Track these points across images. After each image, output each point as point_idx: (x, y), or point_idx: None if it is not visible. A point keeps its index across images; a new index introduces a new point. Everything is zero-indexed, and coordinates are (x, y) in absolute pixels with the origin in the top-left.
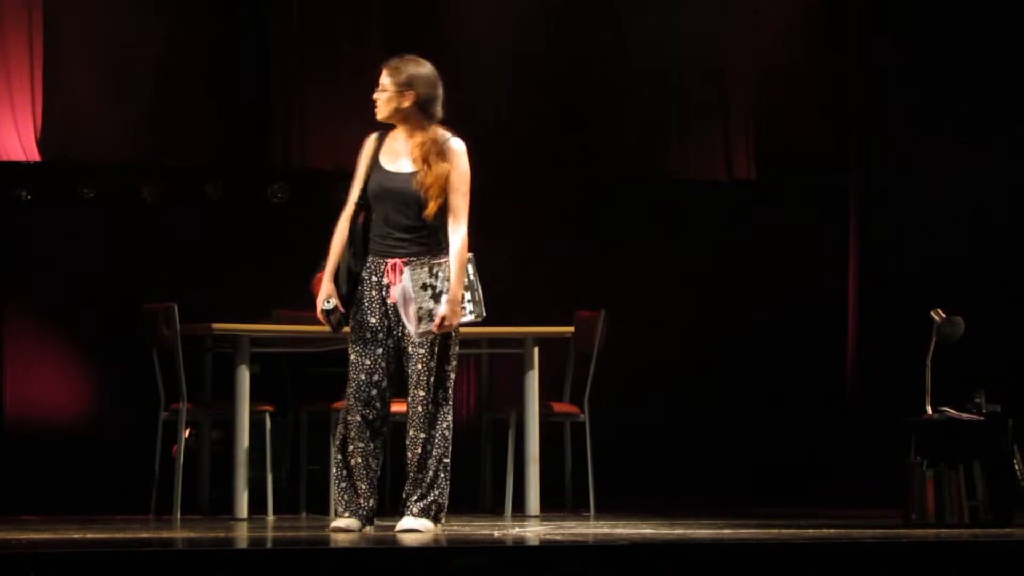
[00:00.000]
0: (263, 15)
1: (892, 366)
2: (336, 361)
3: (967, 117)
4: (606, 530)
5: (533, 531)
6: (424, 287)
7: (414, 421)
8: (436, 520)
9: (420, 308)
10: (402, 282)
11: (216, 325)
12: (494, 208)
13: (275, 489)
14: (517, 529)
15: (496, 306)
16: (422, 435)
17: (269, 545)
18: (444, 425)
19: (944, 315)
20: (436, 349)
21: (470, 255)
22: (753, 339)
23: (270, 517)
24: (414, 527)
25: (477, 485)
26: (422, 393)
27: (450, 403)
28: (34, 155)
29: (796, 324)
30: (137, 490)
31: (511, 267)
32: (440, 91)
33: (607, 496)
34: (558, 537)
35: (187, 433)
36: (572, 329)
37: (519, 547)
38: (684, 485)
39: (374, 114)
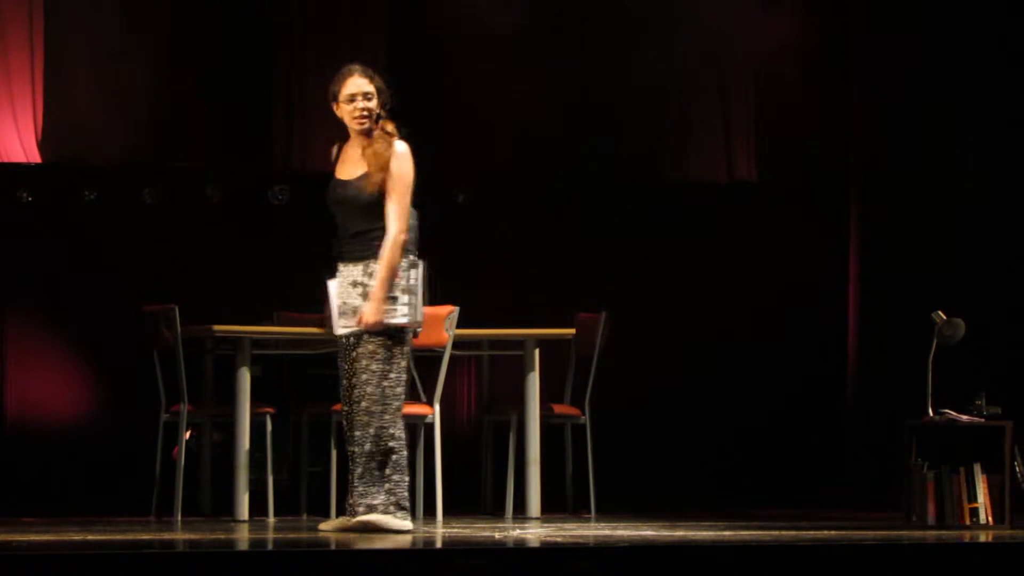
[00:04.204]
0: (263, 15)
1: (893, 368)
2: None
3: (968, 118)
4: (607, 532)
5: (534, 533)
6: (354, 284)
7: (353, 422)
8: (384, 512)
9: (344, 304)
10: (334, 279)
11: (217, 327)
12: (494, 209)
13: (276, 491)
14: (518, 531)
15: (497, 308)
16: (356, 434)
17: (270, 547)
18: (378, 424)
19: (945, 317)
20: (363, 349)
21: (419, 261)
22: (754, 340)
23: (271, 519)
24: (365, 521)
25: (478, 487)
26: (356, 392)
27: (387, 404)
28: (35, 157)
29: (797, 325)
30: (138, 492)
31: (512, 269)
32: None
33: (608, 498)
34: (559, 539)
35: (188, 435)
36: (573, 331)
37: (520, 549)
38: (685, 487)
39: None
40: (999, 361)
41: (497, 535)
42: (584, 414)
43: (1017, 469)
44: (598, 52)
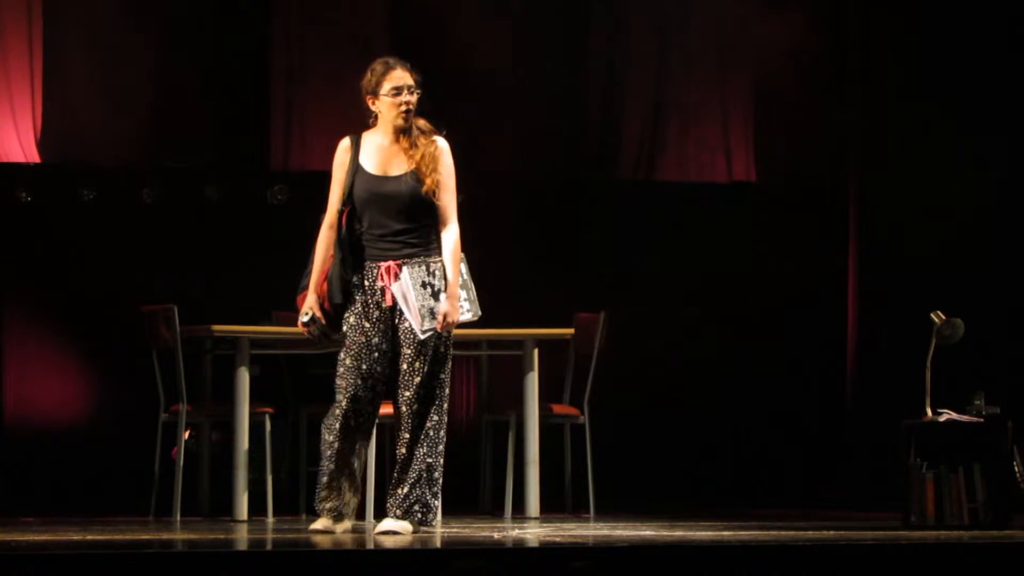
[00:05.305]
0: (263, 15)
1: (892, 368)
2: (336, 363)
3: (967, 118)
4: (606, 532)
5: (533, 533)
6: (423, 285)
7: (401, 422)
8: (422, 522)
9: (422, 307)
10: (400, 281)
11: (216, 327)
12: (494, 209)
13: (275, 491)
14: (517, 531)
15: (496, 308)
16: (407, 435)
17: (269, 547)
18: (431, 425)
19: (944, 317)
20: (423, 349)
21: (462, 255)
22: (753, 341)
23: (270, 519)
24: (393, 528)
25: (477, 487)
26: (408, 394)
27: (442, 404)
28: (34, 157)
29: (796, 325)
30: (137, 492)
31: (511, 268)
32: None
33: (607, 498)
34: (558, 539)
35: (187, 435)
36: (572, 331)
37: (519, 549)
38: (684, 487)
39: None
40: (998, 361)
41: (496, 535)
42: (583, 414)
43: (1016, 469)
44: (598, 52)
